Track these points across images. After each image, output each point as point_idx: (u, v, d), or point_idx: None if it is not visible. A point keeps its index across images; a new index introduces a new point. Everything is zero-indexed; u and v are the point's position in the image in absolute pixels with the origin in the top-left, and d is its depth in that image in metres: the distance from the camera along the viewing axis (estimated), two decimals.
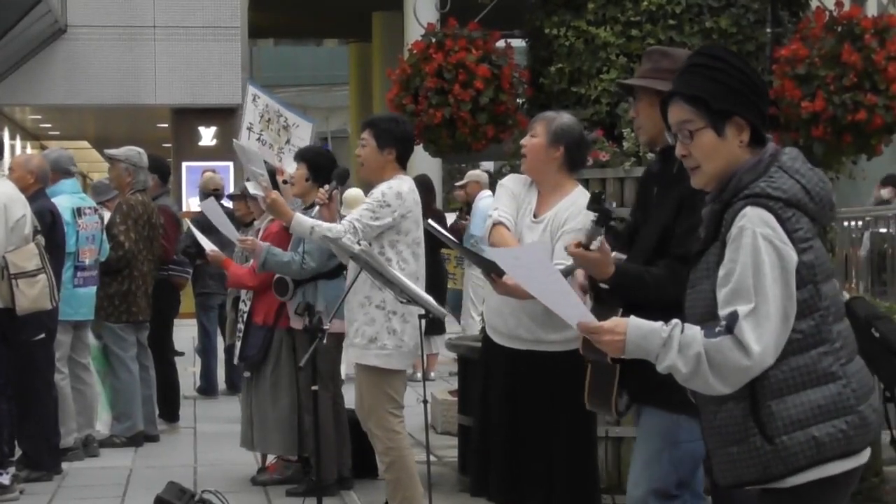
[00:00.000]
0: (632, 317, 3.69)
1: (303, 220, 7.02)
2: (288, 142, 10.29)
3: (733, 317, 3.50)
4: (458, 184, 15.96)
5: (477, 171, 15.72)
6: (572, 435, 6.04)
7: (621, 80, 5.39)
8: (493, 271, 5.64)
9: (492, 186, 14.29)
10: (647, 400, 5.00)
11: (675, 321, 3.62)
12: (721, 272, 3.57)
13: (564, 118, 6.20)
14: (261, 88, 11.22)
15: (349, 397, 8.88)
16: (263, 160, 8.73)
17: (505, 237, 5.90)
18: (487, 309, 6.31)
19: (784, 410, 3.55)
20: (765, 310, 3.49)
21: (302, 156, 8.49)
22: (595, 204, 4.45)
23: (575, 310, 3.73)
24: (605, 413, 5.29)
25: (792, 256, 3.53)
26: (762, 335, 3.48)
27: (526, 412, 6.04)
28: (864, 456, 3.66)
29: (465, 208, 15.18)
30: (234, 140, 9.08)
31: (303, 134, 10.21)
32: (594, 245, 4.47)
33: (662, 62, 5.03)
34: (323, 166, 8.28)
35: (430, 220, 6.57)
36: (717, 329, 3.52)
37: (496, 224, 6.00)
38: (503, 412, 6.09)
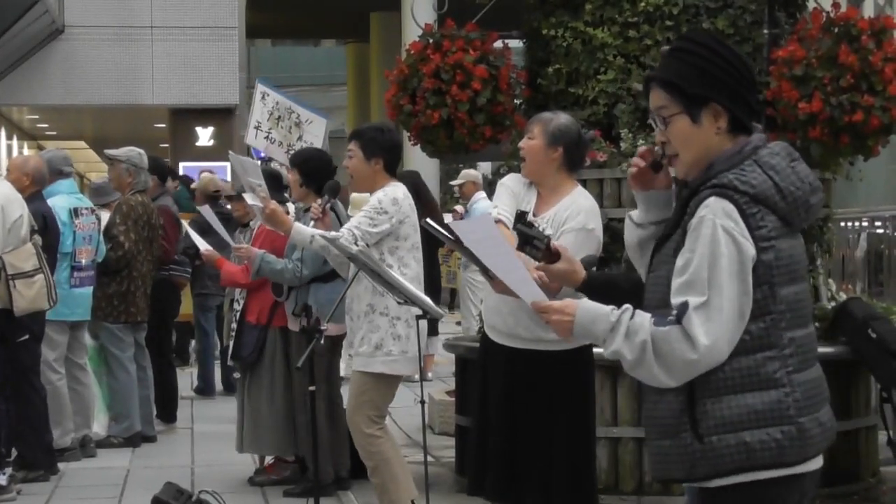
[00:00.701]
0: (584, 299, 3.64)
1: (303, 230, 7.02)
2: (300, 138, 10.28)
3: (683, 307, 3.40)
4: (453, 182, 15.92)
5: (473, 171, 15.67)
6: (571, 434, 6.04)
7: (639, 86, 5.34)
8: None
9: (488, 188, 14.25)
10: None
11: (626, 306, 3.52)
12: (679, 261, 3.46)
13: (562, 119, 6.20)
14: (270, 85, 11.20)
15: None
16: (268, 162, 8.75)
17: (504, 235, 5.89)
18: (486, 308, 6.30)
19: (718, 410, 3.43)
20: (717, 304, 3.38)
21: (293, 161, 8.48)
22: (517, 223, 4.42)
23: (528, 287, 3.69)
24: None
25: (750, 252, 3.41)
26: (711, 329, 3.37)
27: (524, 411, 6.04)
28: (803, 468, 3.49)
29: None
30: (230, 153, 9.06)
31: (316, 130, 10.21)
32: (533, 264, 4.36)
33: None
34: (314, 170, 8.26)
35: (427, 219, 6.57)
36: (669, 318, 3.42)
37: (496, 222, 6.00)
38: (501, 411, 6.09)
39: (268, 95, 10.48)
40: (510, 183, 6.25)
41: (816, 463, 3.54)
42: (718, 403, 3.44)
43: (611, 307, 3.54)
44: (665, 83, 3.59)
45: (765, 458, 3.43)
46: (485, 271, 5.67)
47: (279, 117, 10.40)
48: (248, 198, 8.17)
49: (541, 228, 6.01)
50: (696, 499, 3.59)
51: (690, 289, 3.41)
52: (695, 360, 3.40)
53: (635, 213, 3.86)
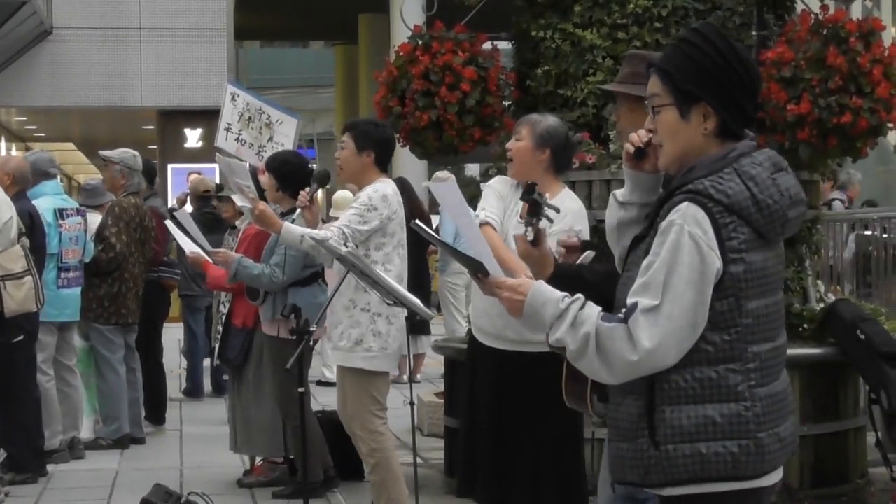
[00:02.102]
0: (540, 282, 3.62)
1: (293, 229, 7.03)
2: (271, 139, 10.26)
3: (633, 308, 3.37)
4: (425, 184, 15.80)
5: (444, 174, 15.55)
6: (560, 436, 6.04)
7: (602, 86, 5.33)
8: (479, 271, 5.61)
9: (477, 189, 14.19)
10: None
11: (578, 296, 3.50)
12: (644, 262, 3.43)
13: (550, 120, 6.21)
14: (240, 86, 11.17)
15: (323, 400, 8.89)
16: (247, 165, 8.72)
17: (492, 237, 5.90)
18: (474, 310, 6.30)
19: (677, 419, 3.40)
20: (668, 310, 3.34)
21: (268, 165, 8.45)
22: (526, 195, 4.40)
23: (488, 261, 3.74)
24: (582, 411, 5.27)
25: (713, 263, 3.35)
26: (656, 334, 3.33)
27: (513, 413, 6.04)
28: (760, 483, 3.45)
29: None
30: (217, 154, 9.03)
31: (287, 130, 10.19)
32: (529, 235, 4.35)
33: (642, 67, 4.98)
34: (289, 174, 8.25)
35: (417, 220, 6.56)
36: (619, 315, 3.40)
37: (483, 224, 6.01)
38: (490, 413, 6.10)
39: (238, 96, 10.46)
40: (497, 185, 6.25)
41: (775, 476, 3.51)
42: (678, 412, 3.41)
43: (564, 294, 3.52)
44: (662, 72, 3.54)
45: (719, 471, 3.40)
46: (474, 273, 5.67)
47: (249, 118, 10.36)
48: (237, 199, 8.15)
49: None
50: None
51: (645, 291, 3.38)
52: (634, 362, 3.37)
53: (620, 192, 3.82)
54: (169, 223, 9.86)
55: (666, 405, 3.42)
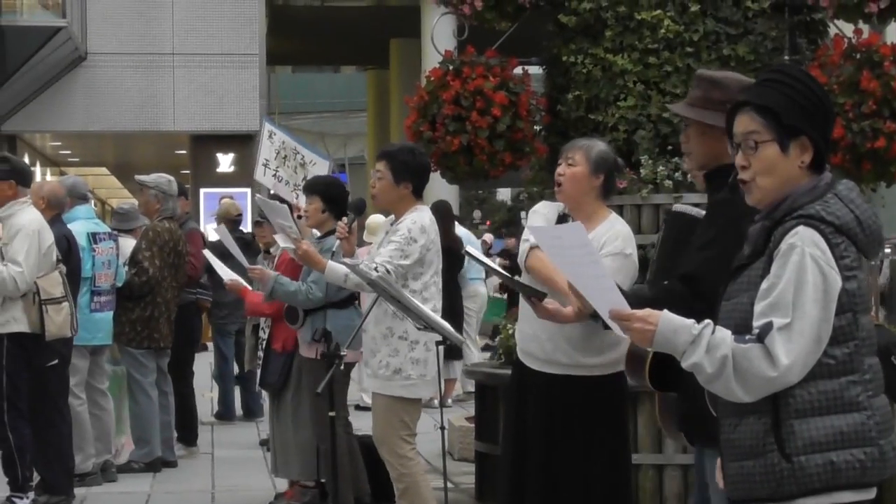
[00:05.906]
0: (665, 311, 3.68)
1: (337, 269, 7.01)
2: (304, 178, 10.36)
3: (767, 327, 3.51)
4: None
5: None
6: (609, 460, 5.98)
7: (674, 109, 5.25)
8: (534, 296, 5.61)
9: (508, 213, 14.21)
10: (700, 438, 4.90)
11: (707, 321, 3.62)
12: (764, 285, 3.57)
13: (601, 145, 6.09)
14: (277, 125, 11.30)
15: (357, 424, 8.90)
16: (282, 199, 8.75)
17: (543, 260, 5.84)
18: (521, 335, 6.21)
19: (806, 431, 3.55)
20: (799, 327, 3.50)
21: (313, 188, 8.44)
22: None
23: (609, 295, 3.71)
24: (676, 440, 5.25)
25: (836, 281, 3.54)
26: (792, 350, 3.49)
27: (562, 437, 5.98)
28: (872, 494, 3.64)
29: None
30: (258, 196, 9.07)
31: (320, 171, 10.29)
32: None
33: (713, 92, 4.91)
34: (337, 196, 8.28)
35: (469, 248, 6.60)
36: (748, 336, 3.53)
37: (533, 248, 5.97)
38: (539, 438, 6.03)
39: (274, 134, 10.56)
40: (543, 210, 6.16)
41: (874, 491, 3.65)
42: (805, 424, 3.56)
43: (692, 320, 3.63)
44: (762, 109, 3.68)
45: (849, 478, 3.56)
46: (527, 297, 5.66)
47: (285, 157, 10.47)
48: (280, 239, 8.19)
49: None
50: None
51: (774, 310, 3.53)
52: (773, 378, 3.51)
53: None
54: (207, 253, 9.92)
55: (793, 419, 3.57)
